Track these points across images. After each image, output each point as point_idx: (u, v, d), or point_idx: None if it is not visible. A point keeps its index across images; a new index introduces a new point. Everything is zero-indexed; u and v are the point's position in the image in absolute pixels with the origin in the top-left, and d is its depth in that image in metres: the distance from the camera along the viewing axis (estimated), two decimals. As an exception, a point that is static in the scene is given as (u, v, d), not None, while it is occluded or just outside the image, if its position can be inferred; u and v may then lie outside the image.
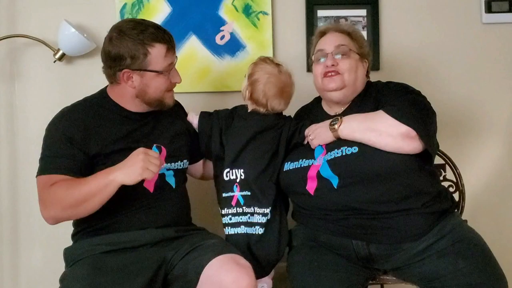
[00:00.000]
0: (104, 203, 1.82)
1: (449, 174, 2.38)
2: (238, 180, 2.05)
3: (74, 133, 1.91)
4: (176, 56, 2.06)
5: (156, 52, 1.94)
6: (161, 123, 2.08)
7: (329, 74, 2.05)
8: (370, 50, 2.18)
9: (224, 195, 2.07)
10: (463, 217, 2.20)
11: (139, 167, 1.76)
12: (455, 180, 2.37)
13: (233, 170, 2.06)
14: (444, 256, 1.86)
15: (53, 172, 1.87)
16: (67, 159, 1.88)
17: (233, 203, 2.05)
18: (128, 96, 2.00)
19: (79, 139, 1.90)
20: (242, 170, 2.05)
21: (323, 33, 2.14)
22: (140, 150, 1.80)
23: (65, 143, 1.90)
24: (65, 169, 1.87)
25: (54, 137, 1.93)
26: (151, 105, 2.02)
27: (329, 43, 2.09)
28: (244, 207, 2.04)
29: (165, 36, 1.97)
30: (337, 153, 1.93)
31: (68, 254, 1.97)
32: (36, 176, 1.91)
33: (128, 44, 1.92)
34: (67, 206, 1.82)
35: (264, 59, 2.16)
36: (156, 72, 1.96)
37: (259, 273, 1.95)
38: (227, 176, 2.06)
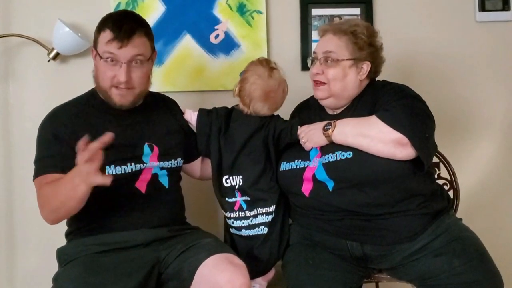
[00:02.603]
0: (83, 203, 1.79)
1: (444, 172, 2.38)
2: (237, 187, 2.05)
3: (61, 131, 1.92)
4: (149, 58, 2.01)
5: (103, 36, 1.94)
6: (152, 120, 2.07)
7: (316, 82, 2.05)
8: (379, 47, 2.09)
9: (227, 199, 2.07)
10: (458, 215, 2.20)
11: (81, 183, 1.68)
12: (449, 178, 2.37)
13: (233, 177, 2.05)
14: (439, 255, 1.87)
15: (45, 172, 1.89)
16: (56, 157, 1.89)
17: (236, 207, 2.05)
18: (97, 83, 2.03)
19: (67, 137, 1.90)
20: (240, 177, 2.04)
21: (322, 34, 2.11)
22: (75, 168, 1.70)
23: (53, 142, 1.91)
24: (55, 167, 1.88)
25: (43, 138, 1.95)
26: (103, 96, 2.01)
27: (320, 47, 2.06)
28: (246, 211, 2.04)
29: (118, 27, 1.93)
30: (332, 158, 1.92)
31: (61, 254, 1.97)
32: (33, 180, 1.92)
33: (98, 23, 2.00)
34: (50, 210, 1.85)
35: (261, 61, 2.14)
36: (98, 55, 1.96)
37: (254, 274, 1.95)
38: (227, 182, 2.06)
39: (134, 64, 1.96)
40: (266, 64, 2.12)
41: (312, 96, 2.19)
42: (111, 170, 1.93)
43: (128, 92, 1.98)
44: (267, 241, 2.03)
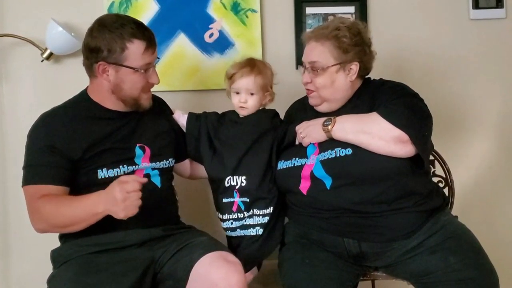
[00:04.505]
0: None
1: (439, 169, 2.38)
2: (237, 187, 2.04)
3: (55, 141, 1.89)
4: (158, 58, 2.05)
5: (134, 48, 1.92)
6: (144, 121, 2.06)
7: (307, 90, 2.06)
8: (366, 43, 2.05)
9: (224, 200, 2.06)
10: (453, 212, 2.21)
11: (121, 210, 1.70)
12: (444, 176, 2.37)
13: (234, 177, 2.04)
14: (435, 253, 1.87)
15: (38, 183, 1.86)
16: (51, 168, 1.87)
17: (234, 208, 2.05)
18: (105, 91, 1.98)
19: (61, 146, 1.89)
20: (244, 177, 2.03)
21: (306, 42, 2.10)
22: (117, 189, 1.70)
23: (47, 152, 1.88)
24: (50, 178, 1.86)
25: (35, 146, 1.91)
26: (126, 103, 2.00)
27: (306, 56, 2.07)
28: (244, 212, 2.04)
29: (145, 34, 1.95)
30: (331, 154, 1.92)
31: (56, 255, 1.96)
32: (22, 186, 1.90)
33: (106, 36, 1.91)
34: (54, 225, 1.85)
35: (241, 66, 2.12)
36: (132, 69, 1.93)
37: None
38: (227, 182, 2.05)
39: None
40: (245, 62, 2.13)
41: (307, 96, 2.19)
42: (103, 173, 1.93)
43: (150, 93, 2.04)
44: (257, 241, 2.02)
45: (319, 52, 2.02)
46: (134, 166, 1.98)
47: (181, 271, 1.85)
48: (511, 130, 2.76)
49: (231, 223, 2.06)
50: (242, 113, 2.10)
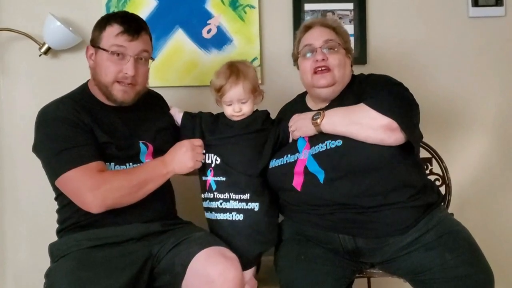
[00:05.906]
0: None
1: (436, 167, 2.39)
2: (213, 165, 2.03)
3: (83, 119, 1.91)
4: (152, 58, 2.06)
5: (111, 31, 1.95)
6: (144, 118, 2.06)
7: (320, 69, 2.03)
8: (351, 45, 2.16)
9: (203, 178, 2.07)
10: (450, 210, 2.21)
11: (189, 159, 1.95)
12: (441, 173, 2.38)
13: (209, 155, 2.04)
14: (431, 249, 1.87)
15: (92, 160, 1.86)
16: (91, 146, 1.89)
17: (207, 187, 2.05)
18: (93, 80, 2.02)
19: (87, 127, 1.91)
20: (216, 157, 2.03)
21: (308, 28, 2.12)
22: (187, 143, 1.97)
23: (82, 130, 1.89)
24: (98, 155, 1.88)
25: (62, 128, 1.89)
26: (101, 91, 2.00)
27: (316, 37, 2.07)
28: (215, 193, 2.03)
29: (128, 22, 1.96)
30: (322, 147, 1.93)
31: (54, 249, 1.96)
32: (66, 171, 1.84)
33: (97, 23, 2.00)
34: (127, 193, 1.88)
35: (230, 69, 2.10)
36: (104, 50, 1.95)
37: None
38: (204, 159, 2.04)
39: (140, 60, 1.99)
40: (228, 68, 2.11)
41: (295, 98, 2.20)
42: (111, 167, 1.95)
43: (131, 89, 2.00)
44: (245, 230, 2.00)
45: (330, 33, 2.07)
46: (138, 164, 1.99)
47: (178, 266, 1.85)
48: (508, 128, 2.77)
49: (208, 203, 2.05)
50: (238, 119, 2.10)
